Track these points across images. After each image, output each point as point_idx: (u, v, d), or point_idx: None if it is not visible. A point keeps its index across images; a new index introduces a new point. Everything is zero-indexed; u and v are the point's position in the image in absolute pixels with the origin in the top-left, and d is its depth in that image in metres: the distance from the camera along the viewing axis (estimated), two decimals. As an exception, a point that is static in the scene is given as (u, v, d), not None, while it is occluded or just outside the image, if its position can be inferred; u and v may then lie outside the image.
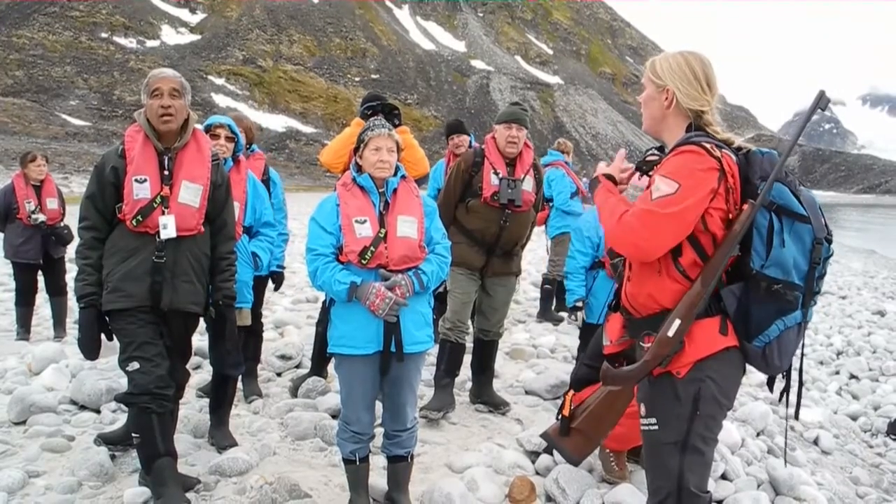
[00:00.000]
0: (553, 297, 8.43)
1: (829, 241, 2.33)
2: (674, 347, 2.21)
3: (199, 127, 3.85)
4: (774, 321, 2.24)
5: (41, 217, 7.01)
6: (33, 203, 7.03)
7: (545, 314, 8.32)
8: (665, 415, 2.30)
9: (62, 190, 7.72)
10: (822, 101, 2.24)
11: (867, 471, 5.41)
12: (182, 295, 3.41)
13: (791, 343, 2.30)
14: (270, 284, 5.35)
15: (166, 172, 3.37)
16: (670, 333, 2.20)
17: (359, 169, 3.27)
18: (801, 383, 2.54)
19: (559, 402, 5.30)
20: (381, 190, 3.24)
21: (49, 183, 7.29)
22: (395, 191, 3.27)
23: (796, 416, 2.59)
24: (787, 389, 2.49)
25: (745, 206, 2.21)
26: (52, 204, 7.19)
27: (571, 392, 2.31)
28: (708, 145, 2.24)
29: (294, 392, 5.13)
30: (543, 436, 2.38)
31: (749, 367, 2.39)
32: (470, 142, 6.51)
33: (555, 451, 4.06)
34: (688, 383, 2.25)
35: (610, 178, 2.57)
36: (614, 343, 2.53)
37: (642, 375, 2.29)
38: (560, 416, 2.35)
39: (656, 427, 2.32)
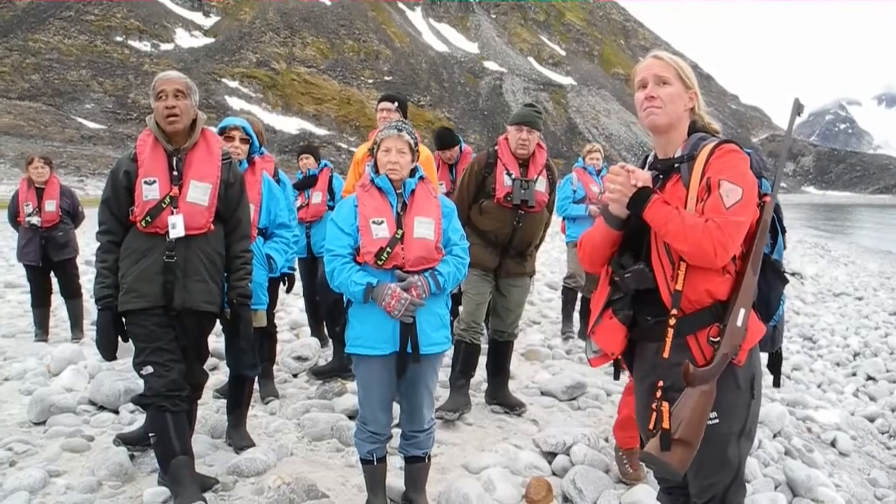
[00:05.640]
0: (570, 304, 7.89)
1: None
2: (743, 336, 2.23)
3: (212, 129, 3.88)
4: (781, 302, 2.40)
5: (33, 220, 7.06)
6: (31, 206, 7.11)
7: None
8: (727, 405, 2.29)
9: (78, 192, 7.76)
10: (798, 108, 2.39)
11: (885, 473, 5.36)
12: (194, 294, 3.42)
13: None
14: (283, 285, 5.39)
15: (175, 173, 3.41)
16: (739, 323, 2.22)
17: (376, 170, 3.29)
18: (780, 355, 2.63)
19: (574, 402, 5.30)
20: (398, 191, 3.24)
21: (52, 186, 7.26)
22: (412, 192, 3.27)
23: (776, 384, 2.68)
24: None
25: (767, 199, 2.31)
26: (49, 206, 7.17)
27: (667, 405, 2.24)
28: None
29: (318, 375, 5.51)
30: (644, 457, 2.29)
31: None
32: (460, 147, 6.53)
33: (571, 452, 4.05)
34: (746, 370, 2.30)
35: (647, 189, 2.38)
36: (611, 354, 2.45)
37: (722, 369, 2.25)
38: (659, 431, 2.25)
39: (717, 420, 2.28)
